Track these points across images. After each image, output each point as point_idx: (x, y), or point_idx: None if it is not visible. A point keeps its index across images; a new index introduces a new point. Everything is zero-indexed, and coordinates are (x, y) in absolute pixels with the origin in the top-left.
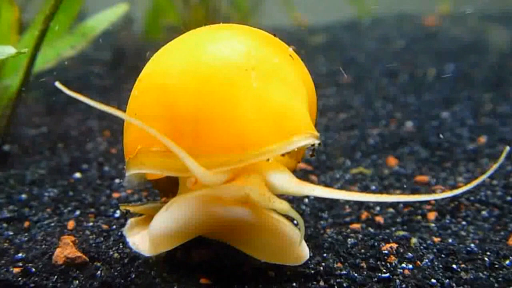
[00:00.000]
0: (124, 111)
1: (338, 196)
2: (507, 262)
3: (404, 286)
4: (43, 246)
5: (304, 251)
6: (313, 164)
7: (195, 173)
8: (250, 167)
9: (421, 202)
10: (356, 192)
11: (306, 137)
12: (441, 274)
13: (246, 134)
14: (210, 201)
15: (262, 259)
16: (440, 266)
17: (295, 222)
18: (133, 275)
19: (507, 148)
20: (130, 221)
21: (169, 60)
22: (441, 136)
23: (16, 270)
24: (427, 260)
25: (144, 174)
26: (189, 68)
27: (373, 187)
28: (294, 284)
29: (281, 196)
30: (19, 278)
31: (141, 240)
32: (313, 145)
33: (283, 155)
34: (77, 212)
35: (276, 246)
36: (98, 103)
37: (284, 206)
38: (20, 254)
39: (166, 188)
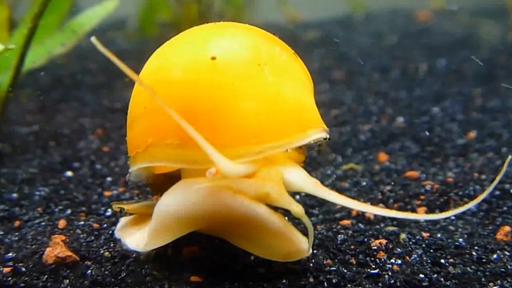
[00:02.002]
0: (118, 108)
1: (351, 205)
2: (495, 256)
3: (392, 281)
4: (34, 246)
5: (308, 250)
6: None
7: (218, 163)
8: (268, 163)
9: (411, 198)
10: (370, 205)
11: (320, 130)
12: (429, 269)
13: (264, 126)
14: (230, 193)
15: (261, 255)
16: (429, 261)
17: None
18: (124, 274)
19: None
20: (122, 220)
21: (178, 54)
22: (427, 133)
23: (6, 269)
24: (415, 256)
25: (152, 168)
26: (201, 62)
27: (364, 183)
28: (284, 280)
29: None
30: (9, 278)
31: (138, 239)
32: (325, 139)
33: (300, 147)
34: (68, 211)
35: (278, 246)
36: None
37: (300, 210)
38: (10, 254)
39: (162, 186)
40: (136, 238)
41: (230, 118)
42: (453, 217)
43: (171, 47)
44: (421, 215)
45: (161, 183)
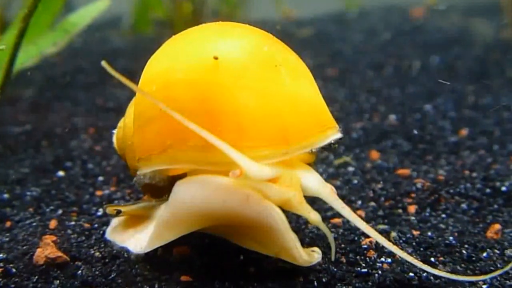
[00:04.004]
0: (110, 107)
1: (361, 226)
2: (484, 254)
3: (382, 280)
4: (24, 247)
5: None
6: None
7: (244, 166)
8: (286, 166)
9: (402, 196)
10: (379, 235)
11: (337, 131)
12: (419, 267)
13: (288, 127)
14: (258, 196)
15: (266, 253)
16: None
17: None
18: (114, 274)
19: None
20: (113, 222)
21: (192, 55)
22: (415, 132)
23: None
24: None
25: (167, 170)
26: (220, 63)
27: (355, 181)
28: (274, 279)
29: None
30: (0, 279)
31: (139, 240)
32: (340, 139)
33: (321, 148)
34: (60, 211)
35: (281, 252)
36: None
37: (317, 218)
38: (0, 255)
39: (157, 189)
40: (136, 240)
41: (255, 120)
42: (444, 215)
43: (182, 48)
44: (441, 272)
45: (159, 186)
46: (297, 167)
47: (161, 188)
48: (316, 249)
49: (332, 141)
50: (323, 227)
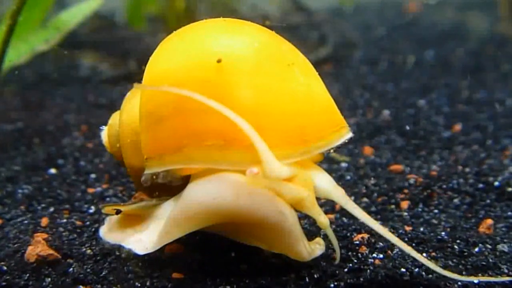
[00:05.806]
0: (103, 103)
1: (373, 226)
2: (476, 249)
3: (373, 276)
4: (16, 244)
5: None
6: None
7: (268, 163)
8: (300, 166)
9: (395, 191)
10: (391, 233)
11: (349, 130)
12: (410, 263)
13: (306, 127)
14: (271, 195)
15: (269, 250)
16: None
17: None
18: (106, 271)
19: None
20: (108, 222)
21: (204, 51)
22: (407, 127)
23: None
24: (397, 250)
25: (180, 169)
26: (231, 61)
27: (348, 177)
28: (266, 276)
29: None
30: None
31: (142, 240)
32: (351, 138)
33: (337, 147)
34: (51, 209)
35: (286, 249)
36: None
37: (326, 221)
38: None
39: (155, 188)
40: (137, 240)
41: (273, 119)
42: (436, 211)
43: (192, 44)
44: (451, 274)
45: (157, 186)
46: (310, 168)
47: (159, 187)
48: (320, 241)
49: (346, 141)
50: (330, 232)
